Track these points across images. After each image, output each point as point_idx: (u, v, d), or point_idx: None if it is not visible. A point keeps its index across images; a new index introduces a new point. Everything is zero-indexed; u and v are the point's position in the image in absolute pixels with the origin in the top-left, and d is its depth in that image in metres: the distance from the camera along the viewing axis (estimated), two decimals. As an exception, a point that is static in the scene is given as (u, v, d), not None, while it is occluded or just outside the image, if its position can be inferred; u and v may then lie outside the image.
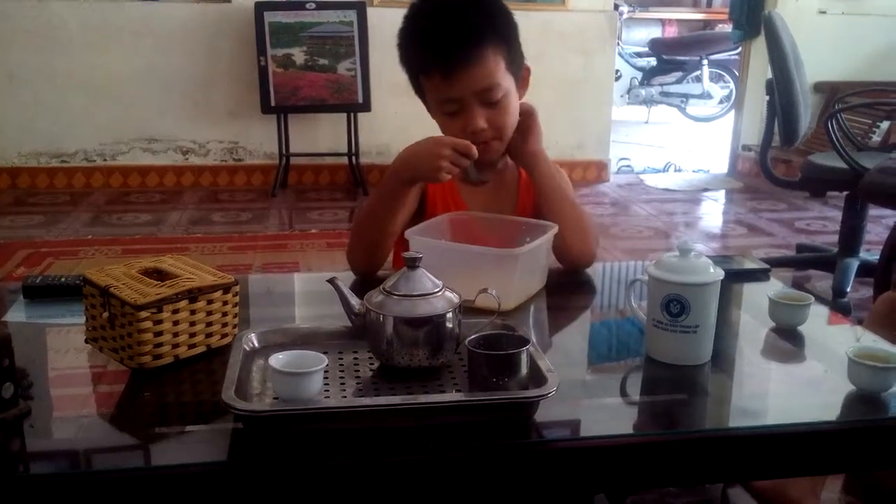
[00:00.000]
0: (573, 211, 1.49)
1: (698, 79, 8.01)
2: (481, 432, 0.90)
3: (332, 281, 1.07)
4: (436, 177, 1.35)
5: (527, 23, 1.50)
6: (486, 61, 1.40)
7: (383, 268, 1.47)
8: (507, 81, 1.43)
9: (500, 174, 1.57)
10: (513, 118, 1.46)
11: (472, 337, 0.98)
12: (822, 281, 3.32)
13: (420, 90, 1.50)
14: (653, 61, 8.23)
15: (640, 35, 9.10)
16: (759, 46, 5.05)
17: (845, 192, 3.18)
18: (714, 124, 7.83)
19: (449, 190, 1.53)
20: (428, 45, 1.42)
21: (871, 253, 3.22)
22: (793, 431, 0.96)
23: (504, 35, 1.44)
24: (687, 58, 8.08)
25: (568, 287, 1.47)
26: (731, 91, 7.73)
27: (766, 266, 1.51)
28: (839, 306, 2.94)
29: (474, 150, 1.33)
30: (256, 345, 1.07)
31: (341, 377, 1.02)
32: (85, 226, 4.03)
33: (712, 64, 7.96)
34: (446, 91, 1.41)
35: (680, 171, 5.87)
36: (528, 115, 1.48)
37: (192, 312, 1.07)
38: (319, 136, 4.89)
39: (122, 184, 4.81)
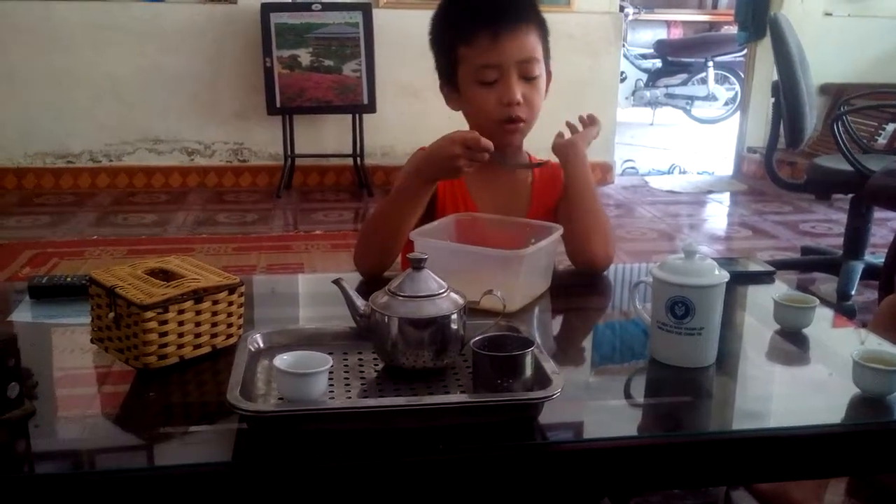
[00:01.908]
0: (599, 213, 1.49)
1: (703, 81, 8.01)
2: (485, 434, 0.90)
3: (337, 282, 1.07)
4: (455, 174, 1.38)
5: (532, 24, 1.51)
6: (531, 33, 1.45)
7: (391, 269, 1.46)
8: (542, 64, 1.48)
9: (513, 174, 1.57)
10: (540, 104, 1.49)
11: (477, 338, 0.98)
12: (827, 284, 3.31)
13: (451, 67, 1.48)
14: (658, 63, 8.23)
15: (646, 37, 9.09)
16: (765, 48, 5.04)
17: (850, 195, 3.17)
18: (719, 126, 7.82)
19: (459, 191, 1.53)
20: (477, 10, 1.44)
21: (876, 256, 3.22)
22: (797, 434, 0.95)
23: (543, 24, 1.50)
24: (692, 59, 8.08)
25: (572, 289, 1.47)
26: (736, 93, 7.73)
27: (770, 268, 1.51)
28: (844, 309, 2.93)
29: (485, 142, 1.31)
30: (261, 345, 1.07)
31: (346, 378, 1.02)
32: (90, 226, 4.04)
33: (717, 66, 7.95)
34: (491, 56, 1.43)
35: (685, 173, 5.87)
36: (593, 117, 1.54)
37: (198, 313, 1.07)
38: (325, 137, 4.90)
39: (127, 184, 4.82)
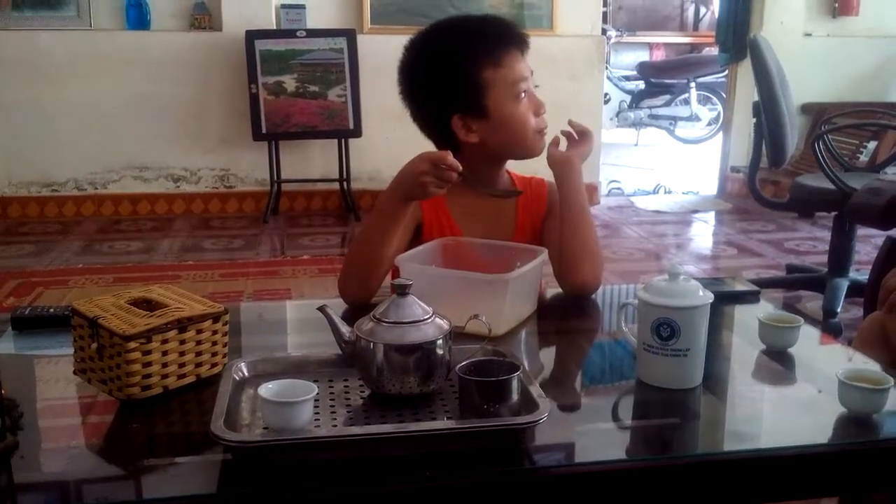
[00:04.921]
0: (591, 238, 1.49)
1: (686, 101, 8.08)
2: (473, 459, 0.90)
3: (322, 309, 1.07)
4: (423, 193, 1.35)
5: (515, 49, 1.53)
6: None
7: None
8: None
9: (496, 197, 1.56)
10: None
11: (463, 363, 0.98)
12: (813, 301, 3.33)
13: (477, 95, 1.47)
14: (641, 84, 8.30)
15: (629, 59, 9.19)
16: (746, 69, 5.09)
17: (834, 213, 3.20)
18: (702, 146, 7.88)
19: (444, 216, 1.53)
20: (496, 34, 1.50)
21: (860, 273, 3.24)
22: (785, 455, 0.95)
23: None
24: (675, 81, 8.16)
25: (559, 311, 1.47)
26: (718, 113, 7.79)
27: (755, 288, 1.51)
28: (830, 326, 2.95)
29: (453, 161, 1.30)
30: (246, 374, 1.06)
31: (332, 406, 1.01)
32: (76, 255, 4.01)
33: (700, 87, 8.03)
34: (521, 70, 1.50)
35: (670, 193, 5.90)
36: (586, 132, 1.57)
37: (182, 342, 1.06)
38: (311, 162, 4.90)
39: (113, 212, 4.80)
